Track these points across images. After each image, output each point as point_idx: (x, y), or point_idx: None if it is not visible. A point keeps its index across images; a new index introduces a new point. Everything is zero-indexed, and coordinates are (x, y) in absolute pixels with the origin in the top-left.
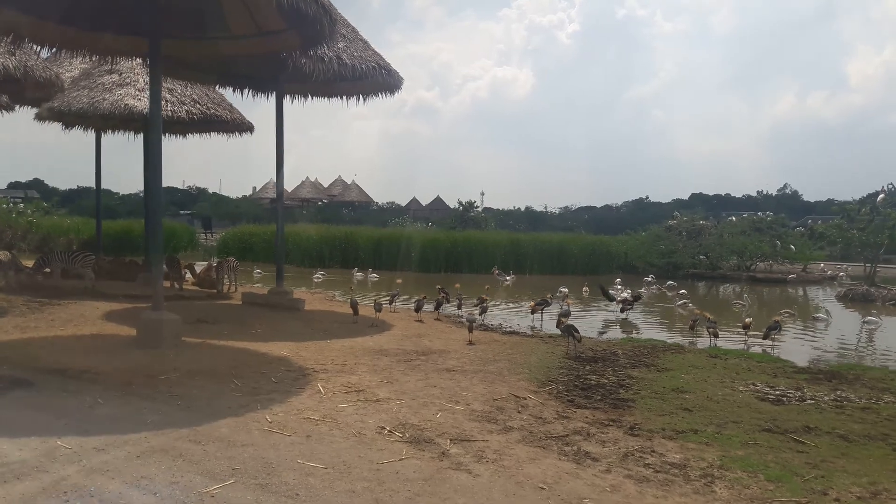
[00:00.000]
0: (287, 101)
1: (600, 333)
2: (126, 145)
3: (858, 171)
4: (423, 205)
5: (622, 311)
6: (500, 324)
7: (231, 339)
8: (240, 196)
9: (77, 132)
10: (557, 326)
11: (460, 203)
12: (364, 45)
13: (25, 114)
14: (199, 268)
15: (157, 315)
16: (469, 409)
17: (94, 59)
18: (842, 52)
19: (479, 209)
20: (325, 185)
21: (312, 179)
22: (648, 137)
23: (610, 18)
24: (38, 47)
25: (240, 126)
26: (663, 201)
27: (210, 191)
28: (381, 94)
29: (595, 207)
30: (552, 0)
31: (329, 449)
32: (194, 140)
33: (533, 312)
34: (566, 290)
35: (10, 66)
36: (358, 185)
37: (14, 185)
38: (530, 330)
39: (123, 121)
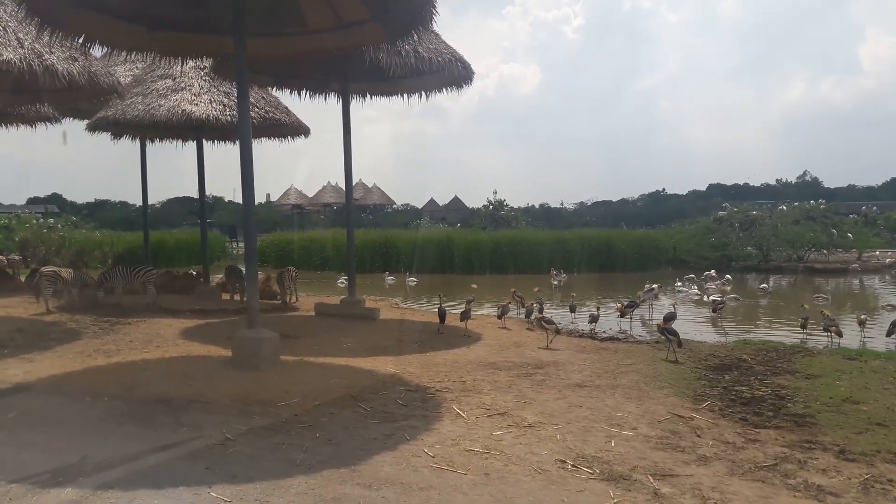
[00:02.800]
0: (326, 101)
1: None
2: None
3: (877, 156)
4: (441, 205)
5: (713, 310)
6: (593, 329)
7: (326, 356)
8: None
9: (93, 145)
10: (658, 330)
11: (489, 202)
12: (436, 37)
13: (41, 130)
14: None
15: (255, 333)
16: (639, 433)
17: (157, 61)
18: (852, 36)
19: (509, 208)
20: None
21: (333, 184)
22: (659, 129)
23: (615, 11)
24: (108, 50)
25: (296, 129)
26: (680, 193)
27: (226, 199)
28: (447, 89)
29: (611, 202)
30: None
31: (520, 491)
32: (206, 150)
33: (622, 315)
34: (655, 286)
35: (75, 72)
36: (379, 188)
37: (33, 201)
38: (621, 334)
39: (173, 128)
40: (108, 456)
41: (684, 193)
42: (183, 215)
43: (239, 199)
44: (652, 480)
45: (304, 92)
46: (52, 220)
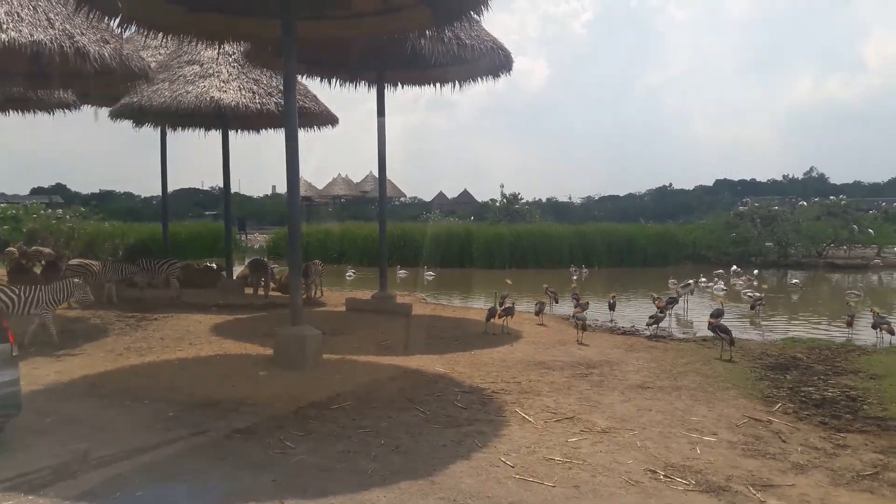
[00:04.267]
0: (357, 89)
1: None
2: (146, 144)
3: (883, 153)
4: (450, 198)
5: (752, 307)
6: (633, 325)
7: (367, 354)
8: (261, 195)
9: (97, 134)
10: (709, 328)
11: (504, 196)
12: (476, 24)
13: (45, 119)
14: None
15: (299, 331)
16: (721, 439)
17: (191, 44)
18: (858, 34)
19: (524, 202)
20: (357, 182)
21: (343, 176)
22: (666, 125)
23: (623, 6)
24: (148, 32)
25: (326, 119)
26: (687, 188)
27: (232, 191)
28: (482, 78)
29: (618, 196)
30: None
31: None
32: (212, 139)
33: (661, 312)
34: (691, 281)
35: (106, 55)
36: (390, 181)
37: (37, 191)
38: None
39: (199, 116)
40: (164, 467)
41: (691, 188)
42: (189, 206)
43: (245, 192)
44: (754, 492)
45: (333, 80)
46: (59, 211)
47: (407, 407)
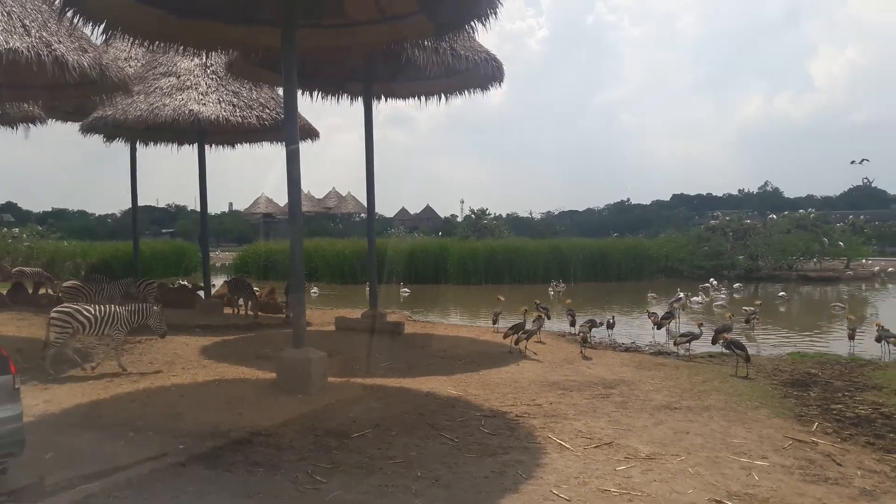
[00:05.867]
0: (339, 102)
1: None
2: (100, 160)
3: (833, 167)
4: (412, 214)
5: (747, 321)
6: (634, 342)
7: (372, 377)
8: (218, 213)
9: (46, 150)
10: (716, 342)
11: (472, 211)
12: (468, 35)
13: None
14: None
15: (303, 354)
16: (773, 463)
17: (179, 52)
18: (806, 53)
19: (491, 217)
20: (319, 198)
21: (306, 192)
22: (622, 141)
23: (579, 24)
24: (134, 40)
25: (307, 133)
26: (644, 203)
27: (188, 208)
28: (471, 91)
29: (577, 211)
30: (521, 7)
31: None
32: (168, 155)
33: (659, 327)
34: (682, 294)
35: (85, 64)
36: (354, 197)
37: None
38: (650, 346)
39: (175, 131)
40: None
41: (648, 203)
42: (145, 225)
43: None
44: None
45: (315, 93)
46: (16, 230)
47: (431, 434)
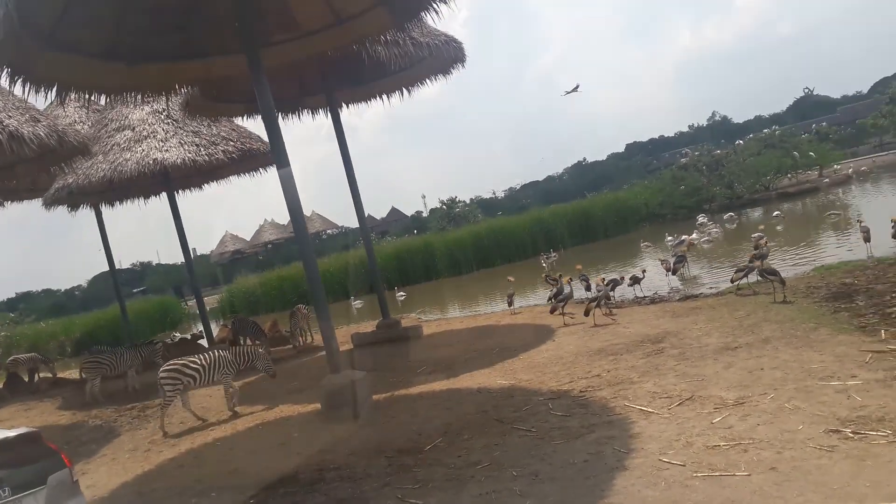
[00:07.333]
0: (301, 120)
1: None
2: (56, 235)
3: (771, 86)
4: (379, 219)
5: (755, 247)
6: (656, 293)
7: (415, 385)
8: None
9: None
10: (758, 272)
11: (441, 202)
12: (423, 21)
13: None
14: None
15: (345, 377)
16: (866, 379)
17: (136, 100)
18: None
19: (462, 204)
20: (284, 224)
21: (270, 220)
22: (565, 103)
23: None
24: (88, 97)
25: (267, 157)
26: (601, 158)
27: (153, 263)
28: (433, 78)
29: (538, 181)
30: None
31: (840, 475)
32: (123, 214)
33: (674, 272)
34: (684, 236)
35: (42, 133)
36: (319, 215)
37: None
38: (671, 293)
39: (135, 186)
40: None
41: (605, 158)
42: (112, 289)
43: (164, 261)
44: None
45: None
46: None
47: (505, 430)
